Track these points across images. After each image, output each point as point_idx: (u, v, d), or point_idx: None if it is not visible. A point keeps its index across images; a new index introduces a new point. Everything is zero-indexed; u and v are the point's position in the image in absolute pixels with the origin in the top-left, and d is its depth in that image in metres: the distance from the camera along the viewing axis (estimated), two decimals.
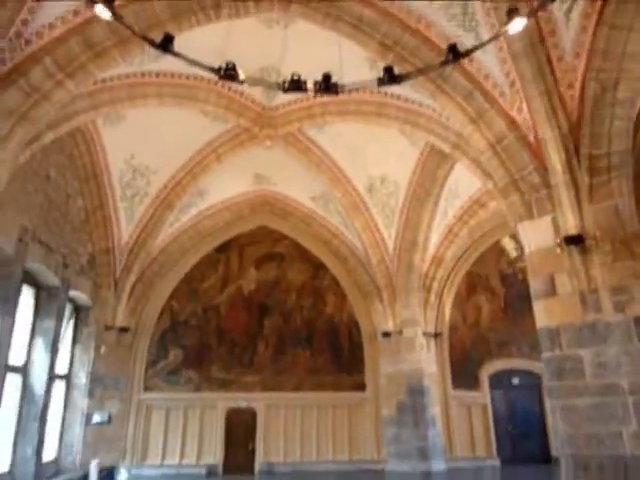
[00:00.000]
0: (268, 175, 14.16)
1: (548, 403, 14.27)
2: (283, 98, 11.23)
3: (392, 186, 13.41)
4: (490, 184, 8.81)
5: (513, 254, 12.83)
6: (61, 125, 8.55)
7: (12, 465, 9.80)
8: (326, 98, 11.06)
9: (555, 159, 6.68)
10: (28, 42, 6.50)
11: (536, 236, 6.92)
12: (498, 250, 15.53)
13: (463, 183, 13.34)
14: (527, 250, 7.09)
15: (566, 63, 6.55)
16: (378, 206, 13.73)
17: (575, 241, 6.42)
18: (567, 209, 6.57)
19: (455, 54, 4.83)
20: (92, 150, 11.62)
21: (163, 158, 12.32)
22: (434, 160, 12.43)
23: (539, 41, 6.49)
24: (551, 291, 6.62)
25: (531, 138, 7.10)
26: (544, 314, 6.64)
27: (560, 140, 6.66)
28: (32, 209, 9.67)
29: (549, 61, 6.56)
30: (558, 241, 6.58)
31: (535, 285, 6.85)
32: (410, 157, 12.64)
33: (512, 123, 7.22)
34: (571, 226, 6.54)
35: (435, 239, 14.27)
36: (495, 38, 5.75)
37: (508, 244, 14.82)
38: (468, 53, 5.03)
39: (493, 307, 15.29)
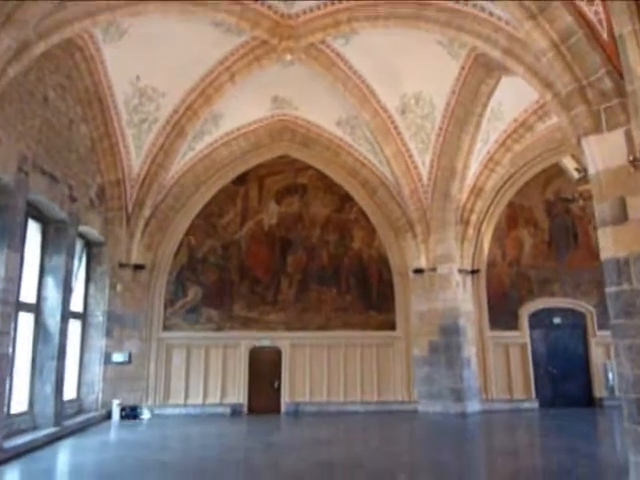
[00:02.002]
0: (288, 97, 12.79)
1: (593, 343, 13.46)
2: (304, 4, 9.79)
3: (428, 106, 11.99)
4: (549, 95, 7.70)
5: (575, 176, 11.36)
6: (53, 34, 7.70)
7: (31, 404, 9.57)
8: (353, 1, 9.61)
9: (634, 59, 5.28)
10: None
11: (605, 153, 5.77)
12: (544, 179, 14.09)
13: (508, 103, 12.05)
14: (592, 170, 5.95)
15: None
16: (411, 130, 12.38)
17: None
18: None
19: None
20: (93, 70, 10.62)
21: (172, 79, 11.21)
22: (477, 74, 11.11)
23: None
24: (621, 216, 5.55)
25: (604, 35, 5.77)
26: (611, 243, 5.63)
27: None
28: (30, 135, 8.93)
29: None
30: (632, 158, 5.43)
31: (601, 210, 5.79)
32: (449, 72, 11.30)
33: (581, 17, 5.87)
34: None
35: (475, 167, 12.96)
36: None
37: (570, 164, 13.22)
38: None
39: (536, 242, 14.03)
